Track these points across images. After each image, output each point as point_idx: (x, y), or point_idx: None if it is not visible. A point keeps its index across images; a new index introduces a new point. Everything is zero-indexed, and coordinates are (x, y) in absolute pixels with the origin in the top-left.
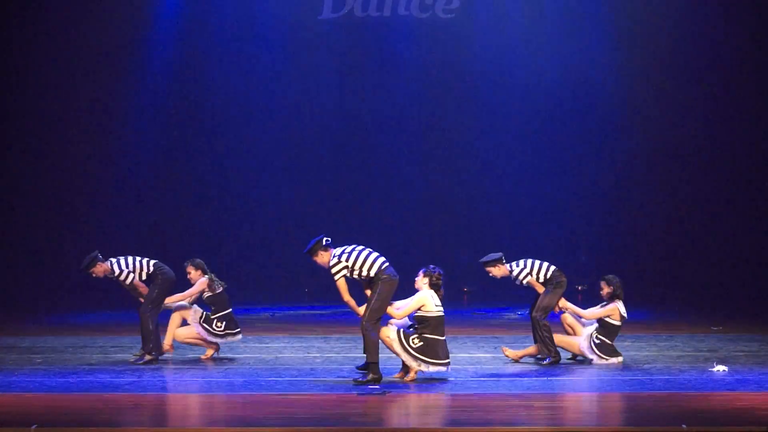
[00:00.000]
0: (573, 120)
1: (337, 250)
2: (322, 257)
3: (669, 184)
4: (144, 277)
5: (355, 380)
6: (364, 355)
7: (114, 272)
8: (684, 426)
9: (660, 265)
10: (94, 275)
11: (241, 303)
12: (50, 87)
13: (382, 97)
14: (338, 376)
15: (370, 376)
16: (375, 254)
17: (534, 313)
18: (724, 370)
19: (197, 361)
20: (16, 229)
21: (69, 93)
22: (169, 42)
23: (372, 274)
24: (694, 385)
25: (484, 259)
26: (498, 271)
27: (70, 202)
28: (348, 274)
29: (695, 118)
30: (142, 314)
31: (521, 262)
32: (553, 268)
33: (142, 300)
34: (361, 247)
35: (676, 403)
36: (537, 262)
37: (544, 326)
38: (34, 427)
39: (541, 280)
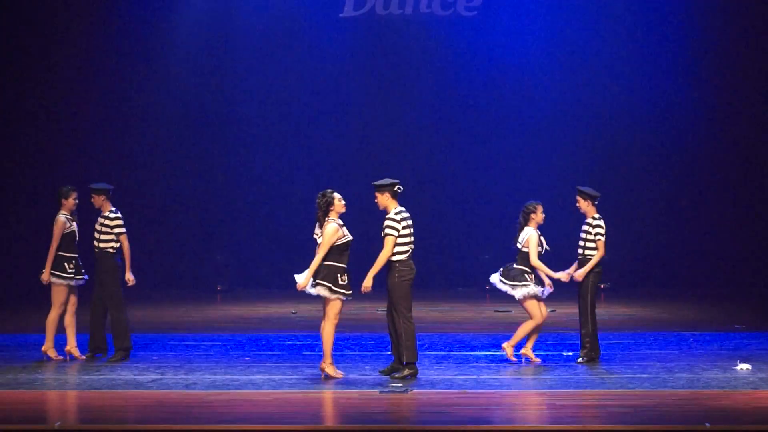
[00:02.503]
0: (598, 118)
1: (400, 212)
2: (385, 200)
3: (692, 179)
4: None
5: (392, 375)
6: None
7: (110, 216)
8: (707, 425)
9: (683, 263)
10: (92, 200)
11: (263, 301)
12: (66, 86)
13: (404, 96)
14: (360, 374)
15: (406, 371)
16: (410, 239)
17: (581, 304)
18: (747, 369)
19: (219, 360)
20: (32, 227)
21: (87, 91)
22: (189, 39)
23: (395, 258)
24: (718, 384)
25: (582, 187)
26: (584, 205)
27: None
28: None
29: (720, 113)
30: (115, 312)
31: (596, 223)
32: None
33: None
34: (411, 230)
35: (699, 401)
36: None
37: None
38: (57, 424)
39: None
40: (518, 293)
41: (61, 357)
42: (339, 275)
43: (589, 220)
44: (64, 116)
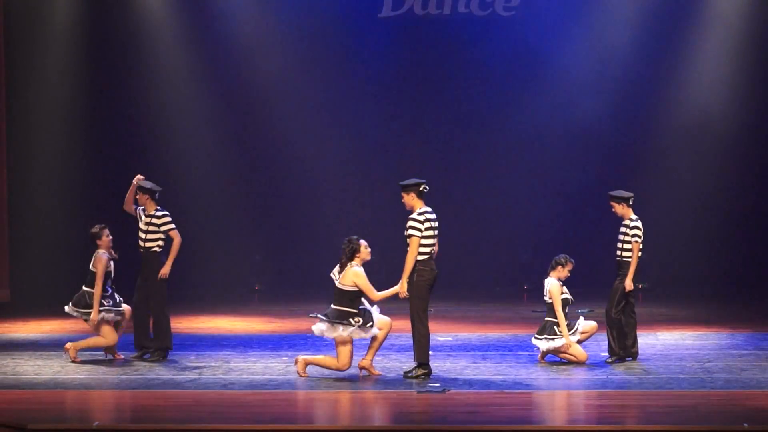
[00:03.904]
0: (639, 118)
1: (423, 213)
2: (411, 200)
3: (732, 178)
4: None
5: (405, 374)
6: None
7: (158, 214)
8: (745, 425)
9: (722, 263)
10: (137, 197)
11: (301, 301)
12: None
13: (442, 95)
14: (398, 374)
15: (420, 371)
16: (433, 240)
17: (607, 306)
18: None
19: (256, 360)
20: (79, 228)
21: (125, 90)
22: (228, 39)
23: (418, 258)
24: (756, 384)
25: (613, 192)
26: (621, 209)
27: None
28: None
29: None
30: (157, 311)
31: (633, 225)
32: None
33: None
34: (434, 231)
35: (737, 401)
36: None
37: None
38: (95, 424)
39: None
40: (543, 346)
41: (79, 359)
42: (351, 319)
43: (627, 222)
44: (104, 116)
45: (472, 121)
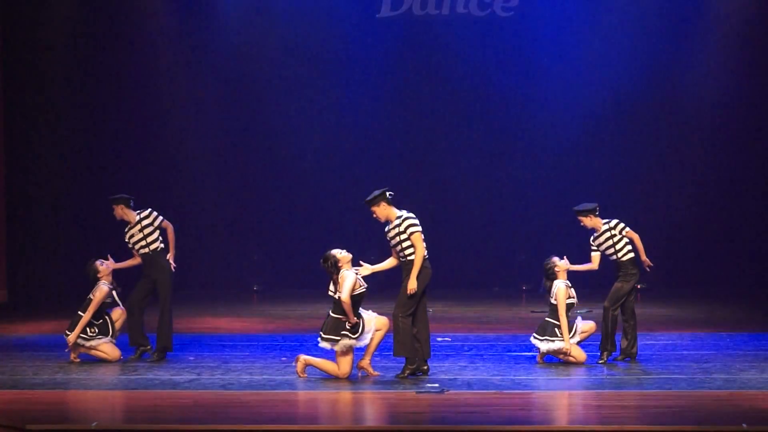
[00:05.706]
0: (637, 119)
1: (410, 216)
2: (384, 210)
3: (731, 178)
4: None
5: (397, 375)
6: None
7: (143, 215)
8: (744, 425)
9: (720, 263)
10: (114, 213)
11: (299, 301)
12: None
13: (441, 96)
14: (397, 374)
15: (407, 370)
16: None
17: (606, 303)
18: None
19: (255, 360)
20: (75, 231)
21: (123, 91)
22: (225, 39)
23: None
24: (755, 384)
25: (578, 207)
26: (590, 221)
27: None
28: (405, 236)
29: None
30: (165, 310)
31: (614, 223)
32: (630, 255)
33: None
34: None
35: (736, 402)
36: (624, 240)
37: (612, 318)
38: (94, 424)
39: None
40: (543, 347)
41: (78, 360)
42: (346, 330)
43: (604, 229)
44: (103, 116)
45: (470, 121)
